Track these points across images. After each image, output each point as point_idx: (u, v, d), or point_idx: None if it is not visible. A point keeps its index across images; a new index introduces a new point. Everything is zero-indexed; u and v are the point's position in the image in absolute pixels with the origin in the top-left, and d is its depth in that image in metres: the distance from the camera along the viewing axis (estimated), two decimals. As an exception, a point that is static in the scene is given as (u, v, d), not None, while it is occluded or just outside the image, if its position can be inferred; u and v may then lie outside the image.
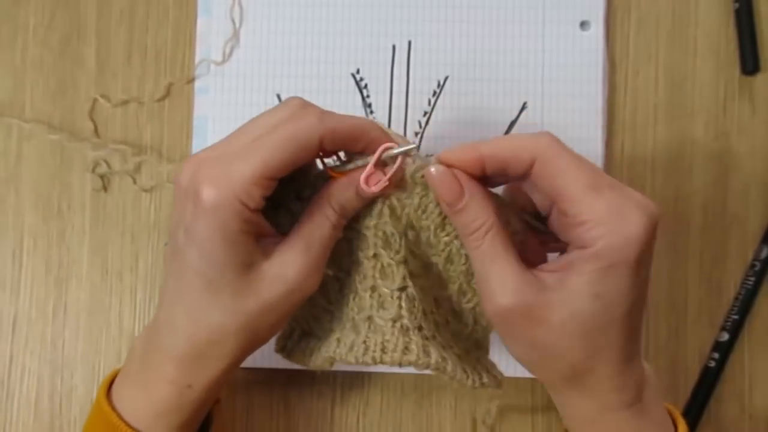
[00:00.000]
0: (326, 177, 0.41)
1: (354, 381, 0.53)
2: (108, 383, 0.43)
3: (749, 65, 0.53)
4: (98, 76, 0.54)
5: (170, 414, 0.41)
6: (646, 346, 0.53)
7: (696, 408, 0.52)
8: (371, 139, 0.39)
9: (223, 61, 0.53)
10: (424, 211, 0.41)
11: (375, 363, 0.39)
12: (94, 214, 0.54)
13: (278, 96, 0.52)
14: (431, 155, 0.41)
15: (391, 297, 0.40)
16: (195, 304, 0.39)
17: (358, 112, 0.52)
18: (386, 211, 0.41)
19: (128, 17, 0.55)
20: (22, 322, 0.53)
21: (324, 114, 0.38)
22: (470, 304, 0.43)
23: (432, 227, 0.41)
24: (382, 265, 0.41)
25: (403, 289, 0.41)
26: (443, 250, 0.42)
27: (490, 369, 0.44)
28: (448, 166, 0.39)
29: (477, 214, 0.39)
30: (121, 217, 0.54)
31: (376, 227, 0.41)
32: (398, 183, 0.40)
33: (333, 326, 0.44)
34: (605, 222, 0.36)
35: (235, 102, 0.53)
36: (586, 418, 0.40)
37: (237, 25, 0.54)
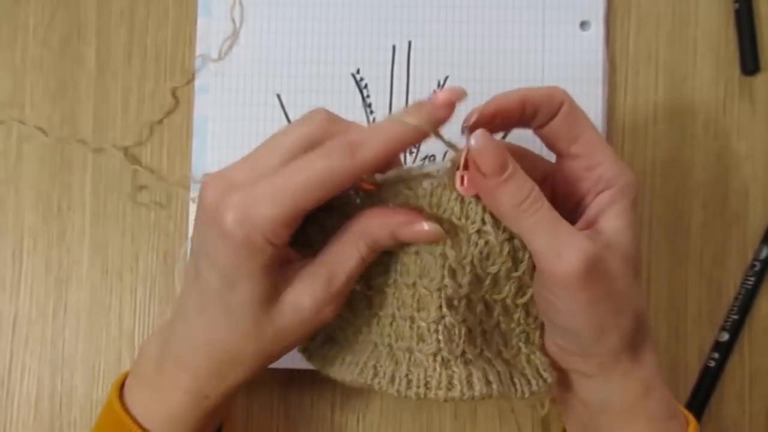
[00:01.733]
0: (361, 191, 0.40)
1: (354, 381, 0.53)
2: (120, 383, 0.43)
3: (749, 65, 0.53)
4: (98, 76, 0.54)
5: (184, 421, 0.41)
6: (646, 346, 0.53)
7: (696, 408, 0.52)
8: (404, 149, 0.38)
9: (220, 58, 0.53)
10: (487, 258, 0.39)
11: (419, 399, 0.38)
12: (94, 214, 0.54)
13: (278, 96, 0.52)
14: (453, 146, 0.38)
15: (428, 330, 0.38)
16: (214, 326, 0.39)
17: (359, 112, 0.52)
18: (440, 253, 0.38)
19: (128, 17, 0.55)
20: (22, 322, 0.53)
21: (355, 146, 0.36)
22: (522, 300, 0.41)
23: (503, 270, 0.39)
24: (419, 295, 0.39)
25: (440, 320, 0.38)
26: (504, 263, 0.39)
27: (541, 370, 0.41)
28: (490, 118, 0.37)
29: (524, 180, 0.36)
30: (121, 217, 0.54)
31: (416, 253, 0.39)
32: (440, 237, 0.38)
33: (358, 340, 0.43)
34: (617, 164, 0.39)
35: (235, 102, 0.53)
36: (638, 391, 0.40)
37: (237, 25, 0.54)
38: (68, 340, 0.53)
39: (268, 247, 0.36)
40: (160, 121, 0.54)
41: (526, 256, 0.39)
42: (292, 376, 0.53)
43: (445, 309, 0.38)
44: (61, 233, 0.54)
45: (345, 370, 0.41)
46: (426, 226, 0.37)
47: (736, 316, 0.52)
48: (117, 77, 0.54)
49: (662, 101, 0.54)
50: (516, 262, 0.39)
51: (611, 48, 0.54)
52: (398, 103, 0.51)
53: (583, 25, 0.53)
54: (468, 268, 0.38)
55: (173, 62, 0.54)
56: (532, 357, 0.42)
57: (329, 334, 0.44)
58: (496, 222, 0.38)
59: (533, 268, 0.39)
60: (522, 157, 0.39)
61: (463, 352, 0.38)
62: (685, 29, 0.54)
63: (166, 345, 0.41)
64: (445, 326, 0.38)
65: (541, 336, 0.42)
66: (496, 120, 0.38)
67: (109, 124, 0.54)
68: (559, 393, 0.43)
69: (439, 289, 0.38)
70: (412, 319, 0.39)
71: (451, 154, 0.38)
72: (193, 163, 0.53)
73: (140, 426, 0.40)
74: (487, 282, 0.39)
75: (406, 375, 0.38)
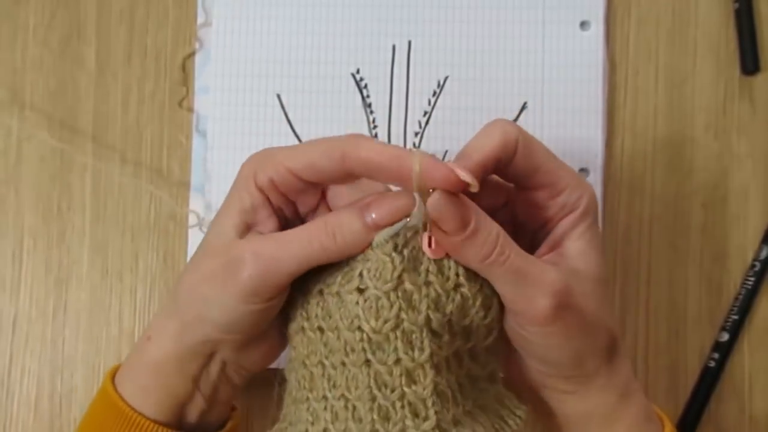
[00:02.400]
0: None
1: (354, 381, 0.53)
2: (114, 371, 0.44)
3: (749, 65, 0.53)
4: (98, 76, 0.54)
5: (153, 379, 0.41)
6: (646, 346, 0.53)
7: (696, 408, 0.52)
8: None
9: (220, 57, 0.53)
10: (461, 310, 0.37)
11: None
12: (94, 214, 0.54)
13: (278, 96, 0.52)
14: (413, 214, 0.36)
15: (424, 405, 0.35)
16: (198, 263, 0.40)
17: (359, 112, 0.52)
18: (403, 304, 0.35)
19: (128, 17, 0.55)
20: (22, 322, 0.53)
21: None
22: (488, 341, 0.39)
23: (475, 320, 0.37)
24: (408, 371, 0.35)
25: (434, 389, 0.36)
26: (477, 313, 0.37)
27: (511, 406, 0.40)
28: (449, 186, 0.35)
29: (489, 231, 0.35)
30: (121, 217, 0.54)
31: (395, 328, 0.35)
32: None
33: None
34: (578, 184, 0.39)
35: (235, 102, 0.53)
36: (616, 398, 0.40)
37: (237, 25, 0.53)
38: (68, 340, 0.53)
39: (266, 183, 0.38)
40: (160, 121, 0.54)
41: (495, 301, 0.38)
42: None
43: (437, 375, 0.36)
44: (61, 233, 0.54)
45: None
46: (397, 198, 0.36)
47: (736, 316, 0.52)
48: (117, 77, 0.54)
49: (662, 101, 0.54)
50: (486, 309, 0.37)
51: (611, 48, 0.54)
52: (398, 103, 0.51)
53: (583, 25, 0.53)
54: (446, 327, 0.36)
55: (173, 62, 0.54)
56: (500, 395, 0.40)
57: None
58: (469, 274, 0.37)
59: (501, 310, 0.38)
60: (483, 183, 0.36)
61: (453, 416, 0.36)
62: (685, 29, 0.54)
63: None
64: (438, 396, 0.35)
65: (501, 371, 0.41)
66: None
67: (109, 124, 0.54)
68: (541, 409, 0.43)
69: (432, 355, 0.35)
70: (402, 397, 0.35)
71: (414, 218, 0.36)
72: (193, 163, 0.53)
73: (121, 398, 0.41)
74: (460, 335, 0.37)
75: None
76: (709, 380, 0.52)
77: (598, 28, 0.53)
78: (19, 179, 0.54)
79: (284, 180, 0.38)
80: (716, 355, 0.52)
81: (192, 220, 0.53)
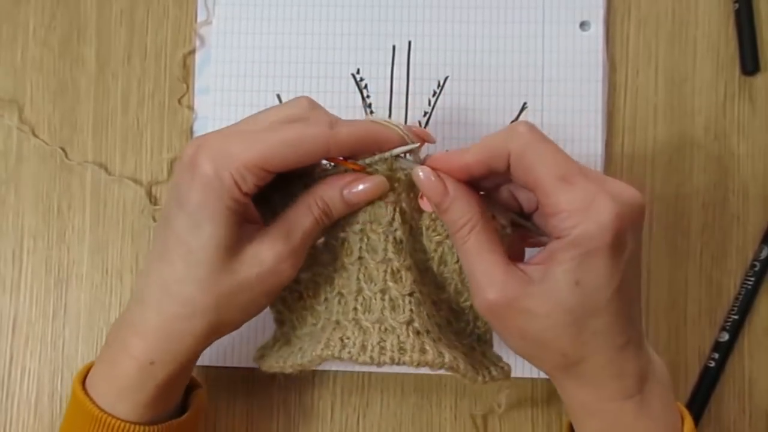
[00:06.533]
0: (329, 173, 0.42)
1: (354, 382, 0.53)
2: (85, 371, 0.43)
3: (749, 65, 0.53)
4: (98, 76, 0.54)
5: (133, 391, 0.41)
6: (646, 346, 0.53)
7: (696, 408, 0.52)
8: (380, 147, 0.41)
9: (220, 57, 0.53)
10: (421, 211, 0.43)
11: (393, 363, 0.40)
12: (94, 214, 0.54)
13: (278, 96, 0.52)
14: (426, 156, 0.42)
15: (403, 301, 0.41)
16: (170, 273, 0.39)
17: (358, 112, 0.52)
18: (398, 217, 0.42)
19: (128, 17, 0.55)
20: (22, 322, 0.53)
21: (334, 124, 0.39)
22: (468, 303, 0.44)
23: (423, 228, 0.43)
24: (393, 270, 0.42)
25: (411, 294, 0.41)
26: (435, 251, 0.43)
27: (497, 362, 0.44)
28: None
29: (462, 212, 0.40)
30: (121, 217, 0.54)
31: (387, 232, 0.42)
32: (385, 190, 0.42)
33: (317, 327, 0.44)
34: (578, 210, 0.37)
35: (236, 102, 0.53)
36: (585, 407, 0.41)
37: (237, 25, 0.53)
38: (68, 340, 0.53)
39: (234, 189, 0.38)
40: (161, 121, 0.54)
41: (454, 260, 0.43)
42: (292, 377, 0.52)
43: (414, 286, 0.42)
44: (61, 233, 0.54)
45: (303, 354, 0.42)
46: (369, 181, 0.41)
47: (736, 316, 0.52)
48: (117, 77, 0.54)
49: (662, 101, 0.54)
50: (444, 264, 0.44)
51: (611, 48, 0.54)
52: (398, 103, 0.51)
53: (583, 25, 0.53)
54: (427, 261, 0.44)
55: (173, 62, 0.54)
56: (487, 353, 0.45)
57: (288, 339, 0.45)
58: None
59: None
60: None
61: (428, 330, 0.41)
62: (685, 29, 0.54)
63: (121, 316, 0.42)
64: (415, 301, 0.41)
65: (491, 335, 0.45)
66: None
67: (109, 125, 0.54)
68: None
69: (410, 268, 0.42)
70: (383, 291, 0.41)
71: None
72: (193, 163, 0.53)
73: (92, 401, 0.41)
74: (432, 281, 0.44)
75: (379, 342, 0.40)
76: (709, 380, 0.52)
77: (598, 28, 0.53)
78: (19, 179, 0.54)
79: (265, 178, 0.39)
80: (716, 355, 0.52)
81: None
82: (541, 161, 0.38)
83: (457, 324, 0.44)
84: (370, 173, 0.41)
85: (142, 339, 0.40)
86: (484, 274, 0.39)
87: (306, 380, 0.53)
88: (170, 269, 0.39)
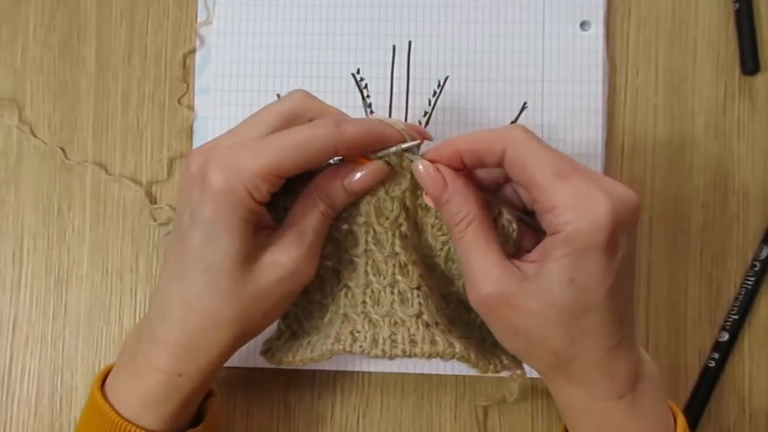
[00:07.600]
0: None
1: (354, 382, 0.53)
2: (103, 376, 0.43)
3: (749, 65, 0.53)
4: (98, 76, 0.54)
5: (159, 403, 0.41)
6: (646, 346, 0.53)
7: (696, 408, 0.52)
8: (384, 145, 0.41)
9: (220, 57, 0.53)
10: (426, 210, 0.44)
11: (404, 356, 0.41)
12: (94, 214, 0.54)
13: (278, 96, 0.52)
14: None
15: (411, 294, 0.42)
16: (191, 289, 0.39)
17: (358, 112, 0.52)
18: (403, 212, 0.43)
19: (128, 17, 0.55)
20: (22, 322, 0.53)
21: (340, 122, 0.39)
22: None
23: (428, 226, 0.44)
24: (401, 264, 0.43)
25: (419, 287, 0.43)
26: (441, 249, 0.44)
27: (504, 352, 0.45)
28: (433, 162, 0.41)
29: (460, 207, 0.40)
30: (121, 217, 0.54)
31: (393, 226, 0.43)
32: (384, 175, 0.42)
33: (324, 321, 0.45)
34: (572, 207, 0.37)
35: (236, 102, 0.53)
36: (576, 407, 0.41)
37: (237, 25, 0.53)
38: (68, 340, 0.53)
39: (248, 200, 0.38)
40: (161, 121, 0.54)
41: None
42: (292, 376, 0.53)
43: (421, 279, 0.43)
44: (61, 233, 0.54)
45: (314, 349, 0.43)
46: (368, 168, 0.41)
47: (736, 316, 0.52)
48: (117, 77, 0.54)
49: (662, 101, 0.54)
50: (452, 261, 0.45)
51: (611, 48, 0.54)
52: (398, 103, 0.51)
53: (583, 25, 0.53)
54: (432, 256, 0.44)
55: (173, 62, 0.54)
56: (497, 347, 0.44)
57: (294, 332, 0.46)
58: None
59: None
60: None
61: (437, 322, 0.42)
62: (685, 29, 0.54)
63: (143, 327, 0.42)
64: (423, 294, 0.42)
65: None
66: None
67: (109, 125, 0.54)
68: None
69: (417, 263, 0.43)
70: (392, 285, 0.42)
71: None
72: (193, 163, 0.53)
73: (117, 413, 0.41)
74: (440, 276, 0.45)
75: (390, 336, 0.41)
76: (709, 380, 0.52)
77: (598, 28, 0.53)
78: (19, 179, 0.54)
79: (278, 184, 0.39)
80: (716, 355, 0.52)
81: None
82: (536, 158, 0.38)
83: (467, 316, 0.45)
84: (368, 160, 0.42)
85: (167, 352, 0.40)
86: (480, 269, 0.39)
87: (306, 380, 0.53)
88: (191, 286, 0.39)
